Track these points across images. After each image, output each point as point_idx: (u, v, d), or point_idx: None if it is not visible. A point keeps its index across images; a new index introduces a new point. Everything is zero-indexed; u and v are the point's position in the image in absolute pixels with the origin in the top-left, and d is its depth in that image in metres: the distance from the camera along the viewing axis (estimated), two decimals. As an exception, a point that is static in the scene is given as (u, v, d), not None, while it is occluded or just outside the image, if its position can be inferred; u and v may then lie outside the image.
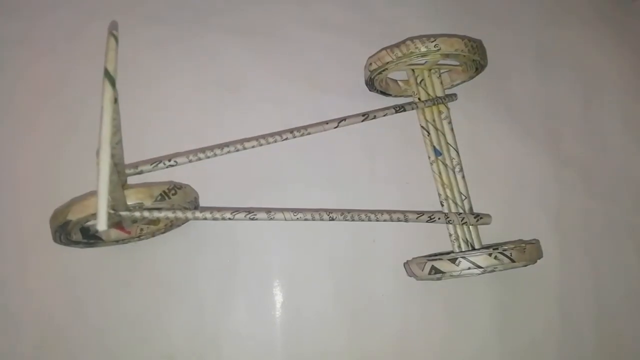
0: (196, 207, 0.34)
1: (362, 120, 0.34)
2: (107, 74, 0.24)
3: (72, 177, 0.35)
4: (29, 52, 0.38)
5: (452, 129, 0.36)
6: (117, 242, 0.35)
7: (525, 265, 0.33)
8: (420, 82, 0.37)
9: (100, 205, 0.21)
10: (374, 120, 0.34)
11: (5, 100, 0.37)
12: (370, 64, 0.36)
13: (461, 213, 0.35)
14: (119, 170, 0.29)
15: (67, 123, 0.37)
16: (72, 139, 0.37)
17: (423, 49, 0.34)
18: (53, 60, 0.38)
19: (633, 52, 0.42)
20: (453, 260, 0.32)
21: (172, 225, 0.36)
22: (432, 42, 0.34)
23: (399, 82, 0.39)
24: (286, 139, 0.33)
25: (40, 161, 0.37)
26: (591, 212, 0.39)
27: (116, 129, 0.26)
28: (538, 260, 0.33)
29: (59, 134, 0.37)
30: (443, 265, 0.32)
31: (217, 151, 0.32)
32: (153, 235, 0.36)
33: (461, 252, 0.34)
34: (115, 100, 0.24)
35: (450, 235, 0.35)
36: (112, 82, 0.24)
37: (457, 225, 0.34)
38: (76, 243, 0.34)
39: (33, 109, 0.38)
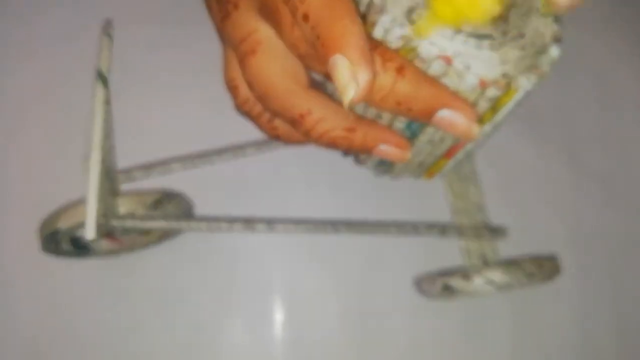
0: (190, 216, 0.34)
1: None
2: (99, 73, 0.24)
3: (64, 183, 0.35)
4: (21, 53, 0.38)
5: (465, 137, 0.36)
6: (108, 252, 0.35)
7: (543, 282, 0.32)
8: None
9: (90, 213, 0.21)
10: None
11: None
12: None
13: (475, 226, 0.34)
14: (111, 177, 0.29)
15: (60, 127, 0.37)
16: (66, 143, 0.36)
17: None
18: (47, 63, 0.38)
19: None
20: (466, 277, 0.31)
21: (165, 235, 0.35)
22: None
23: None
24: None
25: (30, 166, 0.37)
26: (612, 225, 0.38)
27: (108, 132, 0.26)
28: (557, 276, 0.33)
29: (52, 138, 0.37)
30: (456, 282, 0.31)
31: (215, 157, 0.32)
32: (146, 246, 0.36)
33: (475, 267, 0.33)
34: (108, 102, 0.24)
35: (464, 249, 0.34)
36: (105, 83, 0.24)
37: (471, 239, 0.34)
38: (66, 253, 0.34)
39: (24, 112, 0.38)
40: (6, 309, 0.35)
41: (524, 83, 0.20)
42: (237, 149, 0.32)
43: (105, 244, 0.35)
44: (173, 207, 0.32)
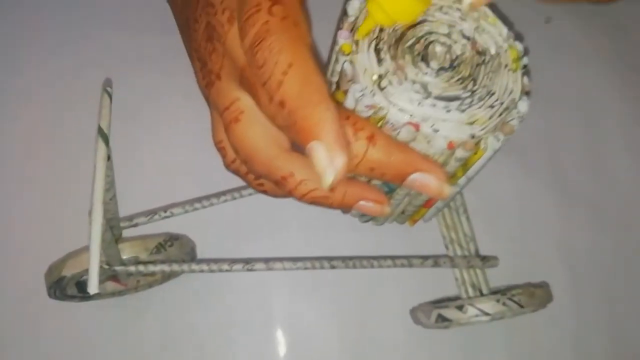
0: (193, 257, 0.35)
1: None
2: (100, 131, 0.25)
3: (69, 229, 0.36)
4: (24, 103, 0.40)
5: (454, 169, 0.37)
6: (113, 294, 0.36)
7: (535, 311, 0.33)
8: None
9: (92, 269, 0.22)
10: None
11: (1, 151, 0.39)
12: None
13: (467, 256, 0.35)
14: (113, 225, 0.30)
15: (65, 174, 0.38)
16: (71, 189, 0.37)
17: None
18: (50, 111, 0.39)
19: (634, 82, 0.43)
20: (460, 308, 0.32)
21: (169, 276, 0.36)
22: None
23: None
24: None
25: (36, 213, 0.38)
26: (602, 248, 0.39)
27: (110, 186, 0.27)
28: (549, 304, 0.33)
29: (56, 184, 0.38)
30: (450, 313, 0.32)
31: (214, 200, 0.33)
32: (150, 286, 0.36)
33: (468, 297, 0.34)
34: (109, 158, 0.25)
35: (457, 279, 0.35)
36: (106, 140, 0.25)
37: (464, 269, 0.35)
38: (72, 297, 0.34)
39: (30, 159, 0.39)
40: (14, 352, 0.36)
41: (493, 143, 0.21)
42: (234, 192, 0.33)
43: (110, 285, 0.36)
44: (176, 249, 0.33)
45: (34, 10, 0.42)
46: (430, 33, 0.21)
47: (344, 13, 0.22)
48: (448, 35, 0.22)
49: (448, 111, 0.20)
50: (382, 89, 0.20)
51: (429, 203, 0.26)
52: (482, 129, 0.21)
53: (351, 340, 0.36)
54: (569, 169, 0.41)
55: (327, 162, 0.18)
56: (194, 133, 0.39)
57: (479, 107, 0.21)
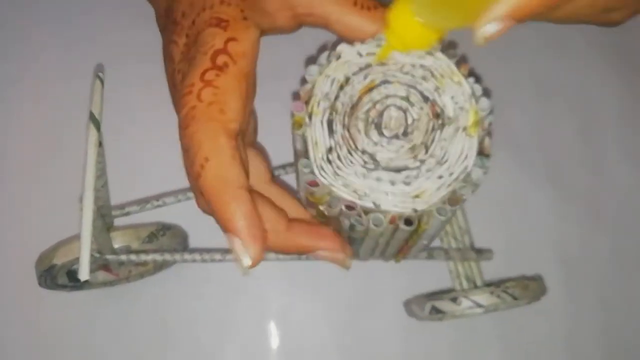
0: (186, 247, 0.35)
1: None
2: (92, 117, 0.25)
3: (60, 217, 0.35)
4: (17, 93, 0.39)
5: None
6: (104, 284, 0.35)
7: (529, 303, 0.33)
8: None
9: (83, 255, 0.22)
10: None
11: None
12: None
13: (461, 249, 0.35)
14: (105, 213, 0.29)
15: (55, 161, 0.38)
16: (61, 177, 0.37)
17: None
18: (42, 102, 0.39)
19: (632, 82, 0.43)
20: (454, 300, 0.32)
21: (161, 266, 0.36)
22: None
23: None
24: (278, 175, 0.33)
25: (26, 201, 0.37)
26: (596, 245, 0.39)
27: (101, 172, 0.26)
28: (543, 296, 0.33)
29: (47, 172, 0.37)
30: (444, 305, 0.32)
31: (207, 190, 0.33)
32: (142, 276, 0.36)
33: (462, 290, 0.34)
34: (100, 144, 0.25)
35: (451, 272, 0.35)
36: (97, 126, 0.25)
37: (458, 262, 0.34)
38: (62, 287, 0.34)
39: (20, 147, 0.38)
40: (4, 342, 0.35)
41: (436, 218, 0.20)
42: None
43: (101, 275, 0.35)
44: (168, 238, 0.33)
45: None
46: (387, 97, 0.21)
47: (303, 81, 0.21)
48: (406, 97, 0.21)
49: (393, 184, 0.20)
50: (329, 163, 0.20)
51: (403, 251, 0.26)
52: (427, 202, 0.20)
53: (345, 332, 0.36)
54: (564, 163, 0.40)
55: (242, 252, 0.20)
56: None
57: (427, 179, 0.20)
